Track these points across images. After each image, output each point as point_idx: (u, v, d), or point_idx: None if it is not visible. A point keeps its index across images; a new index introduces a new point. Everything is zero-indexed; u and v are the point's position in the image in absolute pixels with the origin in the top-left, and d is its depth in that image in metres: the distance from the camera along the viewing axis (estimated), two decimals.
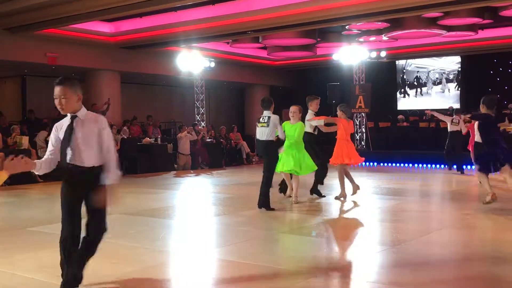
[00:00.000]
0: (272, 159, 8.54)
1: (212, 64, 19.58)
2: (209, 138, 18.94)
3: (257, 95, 23.51)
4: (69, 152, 4.00)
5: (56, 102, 4.11)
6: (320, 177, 9.70)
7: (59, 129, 4.17)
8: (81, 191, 4.04)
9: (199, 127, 19.28)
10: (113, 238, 5.74)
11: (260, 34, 17.05)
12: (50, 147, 4.18)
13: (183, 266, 5.48)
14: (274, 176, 8.58)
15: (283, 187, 9.83)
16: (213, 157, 18.20)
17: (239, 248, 6.15)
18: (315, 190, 9.94)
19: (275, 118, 8.44)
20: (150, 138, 17.65)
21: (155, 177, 14.73)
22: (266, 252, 5.99)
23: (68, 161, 4.02)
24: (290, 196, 9.37)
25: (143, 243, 6.23)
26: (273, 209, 8.41)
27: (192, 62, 18.86)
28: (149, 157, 16.69)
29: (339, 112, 9.46)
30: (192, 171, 16.75)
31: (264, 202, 8.42)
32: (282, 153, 8.76)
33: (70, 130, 4.06)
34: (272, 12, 14.17)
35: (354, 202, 9.56)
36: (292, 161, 8.68)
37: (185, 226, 7.78)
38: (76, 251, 4.04)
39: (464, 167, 14.80)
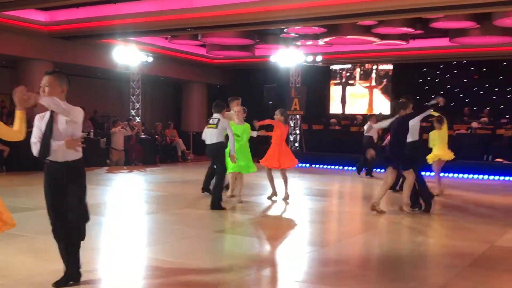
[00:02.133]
0: (222, 160, 8.61)
1: (150, 59, 19.30)
2: (144, 134, 18.73)
3: (195, 92, 23.57)
4: (49, 144, 4.07)
5: (40, 90, 4.19)
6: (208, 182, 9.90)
7: (41, 119, 4.27)
8: (61, 183, 4.17)
9: (134, 122, 19.06)
10: (43, 234, 5.68)
11: (200, 32, 17.02)
12: (38, 133, 4.24)
13: (114, 265, 5.44)
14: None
15: (226, 186, 9.84)
16: (147, 153, 17.93)
17: (171, 247, 6.13)
18: (207, 188, 10.10)
19: (224, 122, 8.57)
20: (82, 132, 17.23)
21: (87, 172, 14.05)
22: (198, 251, 5.99)
23: (47, 153, 4.09)
24: (233, 196, 9.40)
25: None
26: (224, 209, 8.50)
27: (129, 56, 18.59)
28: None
29: (278, 116, 9.54)
30: (125, 167, 16.49)
31: (216, 204, 8.48)
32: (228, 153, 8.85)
33: (50, 123, 4.15)
34: (212, 11, 14.19)
35: (287, 203, 9.62)
36: (241, 161, 8.83)
37: (117, 223, 7.69)
38: (64, 241, 4.23)
39: (374, 170, 15.00)
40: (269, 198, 9.74)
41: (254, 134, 9.43)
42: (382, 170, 12.96)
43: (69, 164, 4.21)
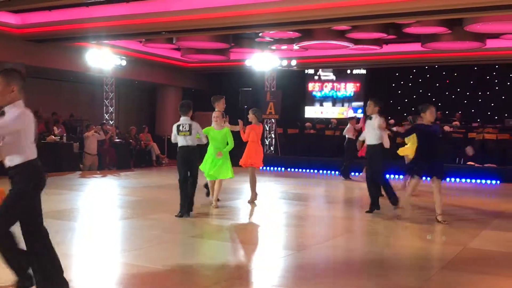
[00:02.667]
0: (196, 166, 8.54)
1: (124, 62, 19.07)
2: (118, 138, 18.31)
3: (169, 96, 23.14)
4: None
5: None
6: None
7: None
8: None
9: (108, 126, 18.62)
10: None
11: (174, 36, 16.84)
12: None
13: (88, 270, 5.34)
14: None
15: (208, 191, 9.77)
16: (121, 158, 17.62)
17: (147, 253, 6.04)
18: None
19: (196, 126, 8.39)
20: (55, 136, 16.83)
21: (60, 177, 14.11)
22: (174, 257, 5.90)
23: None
24: (217, 202, 9.36)
25: None
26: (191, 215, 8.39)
27: (102, 59, 18.33)
28: (53, 156, 15.95)
29: (251, 116, 9.58)
30: (98, 172, 16.20)
31: (188, 208, 8.36)
32: (208, 158, 8.87)
33: None
34: (187, 14, 14.01)
35: (254, 204, 9.60)
36: (213, 167, 8.79)
37: (90, 229, 7.52)
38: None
39: (353, 174, 15.15)
40: (250, 202, 9.73)
41: (237, 128, 9.43)
42: (357, 173, 14.16)
43: (10, 170, 4.03)
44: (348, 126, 14.66)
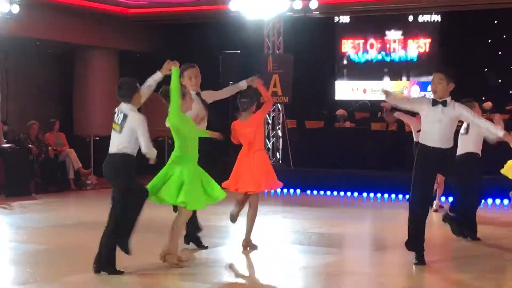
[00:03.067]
0: (125, 184, 6.96)
1: (16, 9, 15.52)
2: (8, 142, 15.52)
3: (97, 65, 19.09)
4: None
5: None
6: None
7: None
8: None
9: None
10: None
11: None
12: None
13: None
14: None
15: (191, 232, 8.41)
16: (14, 176, 15.11)
17: None
18: (192, 237, 8.51)
19: (137, 120, 6.85)
20: None
21: None
22: None
23: None
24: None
25: None
26: (121, 272, 7.13)
27: None
28: None
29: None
30: None
31: (106, 263, 6.95)
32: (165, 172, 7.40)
33: None
34: None
35: (265, 257, 8.25)
36: (173, 186, 7.23)
37: None
38: None
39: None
40: (245, 246, 8.48)
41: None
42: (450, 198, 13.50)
43: None
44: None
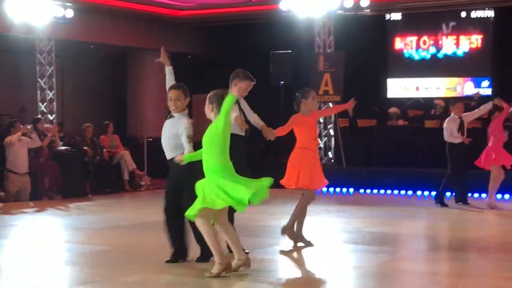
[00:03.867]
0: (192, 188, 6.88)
1: (70, 14, 15.84)
2: (64, 145, 15.62)
3: (150, 67, 18.72)
4: None
5: None
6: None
7: None
8: None
9: (46, 124, 15.95)
10: None
11: None
12: None
13: None
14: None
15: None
16: (70, 178, 15.21)
17: None
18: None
19: (185, 124, 7.00)
20: None
21: None
22: None
23: None
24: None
25: None
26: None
27: (31, 10, 15.58)
28: None
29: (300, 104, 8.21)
30: (31, 203, 14.28)
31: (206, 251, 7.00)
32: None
33: None
34: None
35: (316, 257, 8.18)
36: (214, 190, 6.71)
37: None
38: None
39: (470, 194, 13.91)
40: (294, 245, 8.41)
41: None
42: (484, 195, 14.00)
43: None
44: (449, 118, 12.30)
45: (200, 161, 6.77)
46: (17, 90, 17.75)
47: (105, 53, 20.06)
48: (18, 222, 11.65)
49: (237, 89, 7.51)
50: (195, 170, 6.88)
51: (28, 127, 14.53)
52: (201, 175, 6.78)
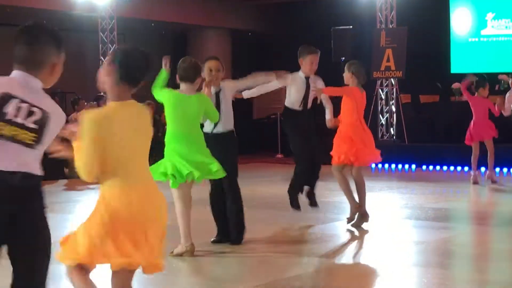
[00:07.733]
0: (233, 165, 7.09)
1: None
2: None
3: (210, 45, 19.46)
4: None
5: None
6: (304, 178, 8.22)
7: None
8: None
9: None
10: None
11: None
12: None
13: None
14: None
15: None
16: None
17: None
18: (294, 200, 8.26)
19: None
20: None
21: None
22: None
23: None
24: None
25: None
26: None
27: None
28: None
29: (347, 74, 7.73)
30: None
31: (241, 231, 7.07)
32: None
33: None
34: None
35: (378, 233, 8.11)
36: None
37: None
38: None
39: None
40: (349, 220, 8.04)
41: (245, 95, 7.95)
42: None
43: None
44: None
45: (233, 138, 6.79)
46: (80, 68, 17.64)
47: (166, 30, 20.24)
48: (83, 198, 11.78)
49: (306, 66, 7.46)
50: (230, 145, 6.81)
51: (92, 103, 14.69)
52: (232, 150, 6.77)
